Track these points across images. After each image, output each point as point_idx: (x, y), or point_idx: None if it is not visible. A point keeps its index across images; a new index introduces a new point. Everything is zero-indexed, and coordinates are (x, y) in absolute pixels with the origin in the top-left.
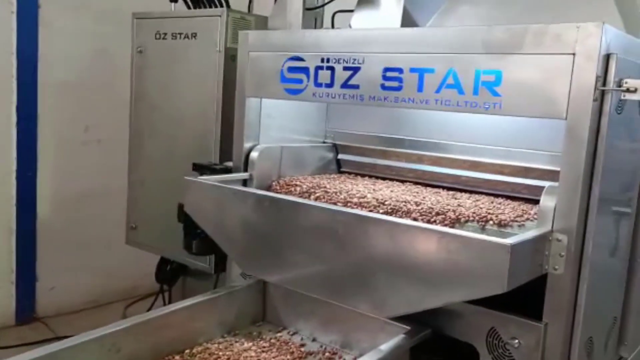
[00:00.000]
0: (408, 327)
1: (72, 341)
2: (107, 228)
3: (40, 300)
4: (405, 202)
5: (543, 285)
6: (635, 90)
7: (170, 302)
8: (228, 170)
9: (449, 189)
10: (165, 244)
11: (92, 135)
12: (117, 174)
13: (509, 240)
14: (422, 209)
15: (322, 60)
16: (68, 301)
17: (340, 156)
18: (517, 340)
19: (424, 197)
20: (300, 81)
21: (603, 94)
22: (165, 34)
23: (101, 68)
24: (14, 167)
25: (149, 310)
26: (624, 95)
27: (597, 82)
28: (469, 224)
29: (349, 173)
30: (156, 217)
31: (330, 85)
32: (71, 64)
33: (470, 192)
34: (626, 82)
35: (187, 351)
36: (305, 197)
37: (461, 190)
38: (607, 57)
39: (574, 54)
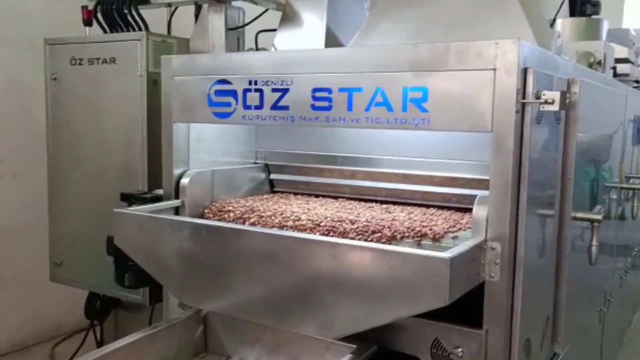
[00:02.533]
0: (354, 346)
1: None
2: (28, 266)
3: None
4: (340, 221)
5: (480, 292)
6: (552, 102)
7: (102, 338)
8: (158, 199)
9: (382, 202)
10: (94, 278)
11: (6, 169)
12: (35, 207)
13: (447, 254)
14: (357, 227)
15: (250, 83)
16: None
17: (272, 176)
18: (460, 349)
19: (358, 214)
20: (228, 104)
21: (524, 106)
22: (82, 59)
23: (15, 97)
24: None
25: (78, 348)
26: (543, 107)
27: (517, 95)
28: (405, 240)
29: (282, 192)
30: (82, 250)
31: (259, 107)
32: None
33: (404, 204)
34: (544, 94)
35: None
36: (239, 223)
37: (395, 203)
38: (525, 71)
39: (494, 69)
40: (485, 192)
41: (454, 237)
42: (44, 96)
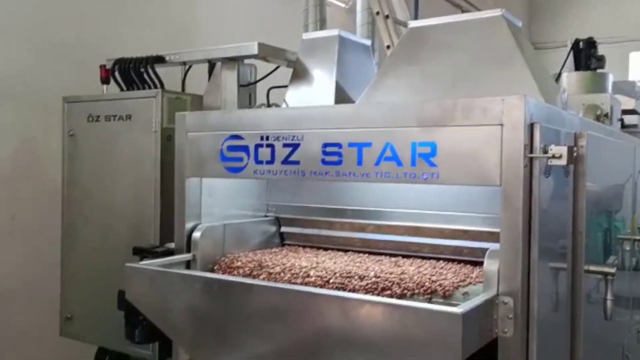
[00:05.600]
0: None
1: None
2: (38, 322)
3: None
4: (349, 277)
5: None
6: (560, 156)
7: None
8: (170, 253)
9: (392, 255)
10: (103, 334)
11: (18, 226)
12: (46, 264)
13: (459, 309)
14: (367, 285)
15: (262, 138)
16: None
17: (283, 229)
18: None
19: (367, 268)
20: (240, 159)
21: (531, 160)
22: (98, 116)
23: (29, 155)
24: None
25: None
26: (551, 161)
27: (525, 149)
28: (415, 297)
29: (292, 245)
30: (93, 306)
31: (271, 162)
32: None
33: (413, 256)
34: (551, 149)
35: None
36: None
37: (404, 256)
38: (532, 126)
39: (501, 125)
40: (496, 245)
41: (465, 294)
42: (59, 153)
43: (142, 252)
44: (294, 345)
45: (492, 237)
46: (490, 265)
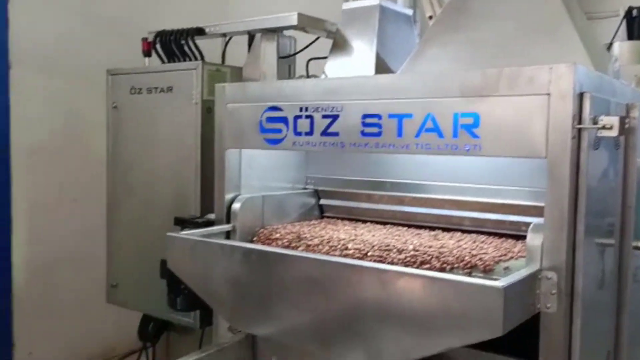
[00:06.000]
0: None
1: None
2: (84, 289)
3: None
4: (387, 250)
5: (534, 323)
6: (610, 127)
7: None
8: (210, 223)
9: (431, 228)
10: (147, 301)
11: (67, 197)
12: (94, 232)
13: (501, 283)
14: (405, 258)
15: (301, 110)
16: None
17: (322, 201)
18: None
19: (405, 241)
20: (279, 131)
21: (580, 131)
22: (140, 88)
23: (75, 127)
24: None
25: None
26: (601, 133)
27: (573, 120)
28: (454, 271)
29: (331, 217)
30: (137, 274)
31: (309, 133)
32: (44, 125)
33: (453, 230)
34: (602, 120)
35: None
36: None
37: (443, 229)
38: (581, 96)
39: (548, 94)
40: (540, 220)
41: (506, 269)
42: (103, 125)
43: (183, 223)
44: (331, 317)
45: (536, 211)
46: (534, 239)
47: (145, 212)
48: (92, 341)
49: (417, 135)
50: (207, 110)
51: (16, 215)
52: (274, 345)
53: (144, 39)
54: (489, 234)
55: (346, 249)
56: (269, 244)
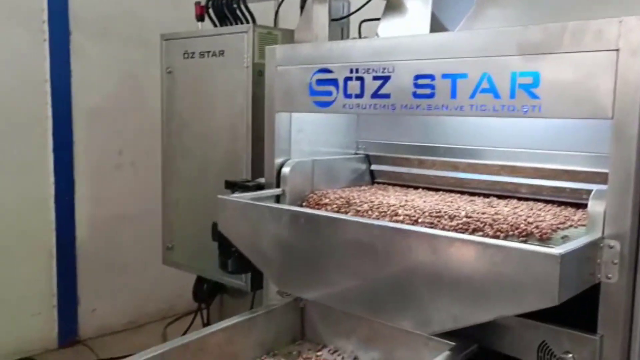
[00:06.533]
0: (453, 343)
1: None
2: (143, 249)
3: (82, 322)
4: (439, 216)
5: (595, 294)
6: None
7: (208, 321)
8: (260, 187)
9: (485, 195)
10: (201, 263)
11: (125, 158)
12: (151, 195)
13: (558, 250)
14: (457, 225)
15: (351, 71)
16: (109, 323)
17: (373, 167)
18: (570, 355)
19: (458, 207)
20: (329, 93)
21: None
22: (193, 53)
23: (132, 91)
24: (52, 192)
25: (187, 329)
26: None
27: None
28: (509, 239)
29: (383, 183)
30: (191, 236)
31: (360, 95)
32: (102, 89)
33: (508, 197)
34: None
35: None
36: None
37: (499, 197)
38: None
39: (617, 50)
40: (602, 186)
41: (564, 237)
42: (158, 89)
43: (233, 186)
44: (380, 282)
45: (598, 177)
46: (596, 205)
47: (199, 176)
48: (152, 300)
49: (472, 96)
50: (258, 73)
51: (78, 176)
52: (322, 310)
53: (197, 3)
54: (547, 202)
55: (396, 215)
56: (318, 209)
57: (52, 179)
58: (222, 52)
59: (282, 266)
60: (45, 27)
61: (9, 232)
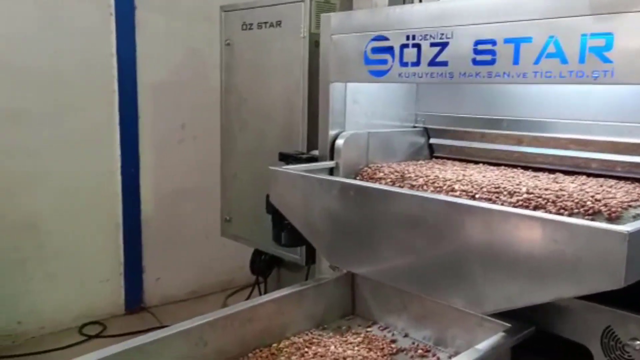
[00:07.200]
0: (509, 325)
1: (158, 334)
2: (205, 222)
3: (147, 290)
4: (497, 192)
5: None
6: None
7: (265, 293)
8: (314, 159)
9: (551, 171)
10: (257, 236)
11: (188, 133)
12: (213, 168)
13: (626, 227)
14: (516, 201)
15: (408, 38)
16: (172, 292)
17: (432, 140)
18: (638, 342)
19: (519, 183)
20: (385, 62)
21: None
22: (251, 24)
23: (195, 65)
24: (118, 164)
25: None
26: None
27: None
28: (573, 217)
29: (442, 158)
30: (248, 209)
31: (416, 64)
32: (166, 63)
33: (576, 173)
34: None
35: (274, 345)
36: None
37: (566, 173)
38: None
39: None
40: None
41: (636, 216)
42: (219, 63)
43: (287, 158)
44: (432, 258)
45: None
46: None
47: (256, 148)
48: (213, 272)
49: (537, 61)
50: (315, 44)
51: (143, 149)
52: (374, 285)
53: None
54: (620, 178)
55: (452, 190)
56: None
57: (118, 152)
58: (279, 23)
59: (332, 240)
60: (112, 1)
61: (79, 202)
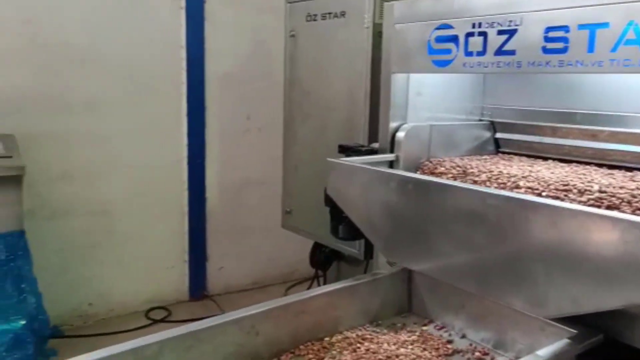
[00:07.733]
0: (574, 331)
1: (211, 321)
2: (268, 213)
3: (210, 279)
4: (566, 190)
5: None
6: None
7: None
8: (374, 152)
9: (628, 169)
10: (317, 229)
11: (253, 124)
12: (276, 160)
13: None
14: (587, 200)
15: (473, 26)
16: (234, 282)
17: (498, 135)
18: None
19: (591, 181)
20: (448, 51)
21: None
22: (316, 15)
23: (261, 57)
24: (185, 154)
25: None
26: None
27: None
28: None
29: (508, 153)
30: (308, 201)
31: (482, 53)
32: (233, 55)
33: None
34: None
35: (326, 339)
36: None
37: None
38: None
39: None
40: None
41: None
42: (283, 55)
43: (346, 150)
44: (492, 256)
45: None
46: None
47: (318, 140)
48: (275, 263)
49: (614, 49)
50: (378, 34)
51: (209, 140)
52: (431, 283)
53: None
54: None
55: (517, 187)
56: None
57: (185, 141)
58: (343, 13)
59: (389, 234)
60: None
61: (148, 191)
